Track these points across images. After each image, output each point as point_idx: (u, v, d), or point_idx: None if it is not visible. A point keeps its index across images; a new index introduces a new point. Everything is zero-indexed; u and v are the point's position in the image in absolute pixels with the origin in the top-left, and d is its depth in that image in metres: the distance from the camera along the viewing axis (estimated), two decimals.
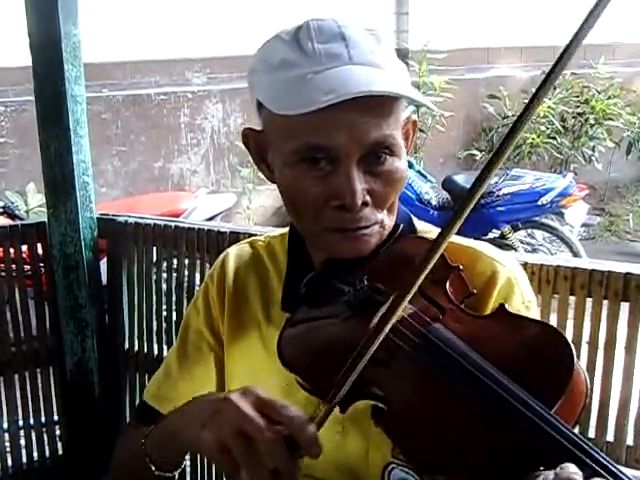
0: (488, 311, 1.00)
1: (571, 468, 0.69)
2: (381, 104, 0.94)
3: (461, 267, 0.97)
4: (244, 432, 0.81)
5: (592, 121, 6.99)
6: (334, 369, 0.85)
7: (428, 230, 1.14)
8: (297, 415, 0.81)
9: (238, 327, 1.17)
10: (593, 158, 7.02)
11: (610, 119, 6.96)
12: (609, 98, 6.98)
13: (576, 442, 0.72)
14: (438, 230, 1.08)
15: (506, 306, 0.91)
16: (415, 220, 1.15)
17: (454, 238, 1.07)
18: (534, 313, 1.06)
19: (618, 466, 0.70)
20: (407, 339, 0.87)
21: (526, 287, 1.07)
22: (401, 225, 1.08)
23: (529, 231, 5.31)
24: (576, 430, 0.77)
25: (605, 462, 0.70)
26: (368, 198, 0.98)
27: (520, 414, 0.74)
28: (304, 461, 1.02)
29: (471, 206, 0.81)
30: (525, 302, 1.04)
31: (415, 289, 0.81)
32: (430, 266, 0.80)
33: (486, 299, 1.01)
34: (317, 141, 0.94)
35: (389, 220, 1.03)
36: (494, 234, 5.15)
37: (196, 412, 0.90)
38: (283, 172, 1.00)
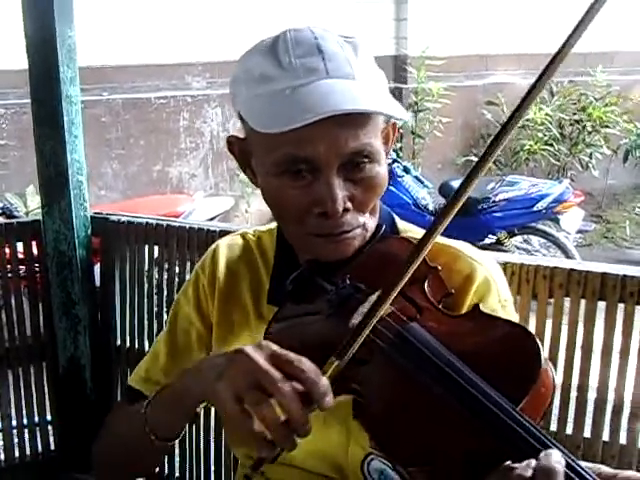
0: (465, 308, 1.04)
1: (554, 456, 0.73)
2: (358, 117, 0.97)
3: (439, 268, 1.01)
4: (259, 383, 0.83)
5: (589, 128, 7.04)
6: (316, 364, 0.89)
7: (409, 230, 1.18)
8: (310, 368, 0.84)
9: (228, 316, 1.21)
10: (590, 165, 7.05)
11: (607, 126, 7.00)
12: (606, 105, 7.02)
13: (538, 436, 0.76)
14: (420, 230, 1.12)
15: (480, 306, 0.95)
16: (398, 220, 1.19)
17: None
18: (510, 311, 1.10)
19: (577, 460, 0.74)
20: (385, 337, 0.90)
21: (503, 286, 1.11)
22: (383, 226, 1.11)
23: (525, 237, 5.35)
24: (542, 422, 0.82)
25: (567, 457, 0.74)
26: (349, 204, 1.01)
27: (486, 409, 0.78)
28: (292, 453, 1.07)
29: (453, 212, 0.84)
30: (501, 301, 1.08)
31: (396, 292, 0.84)
32: (412, 270, 0.84)
33: (464, 297, 1.05)
34: (297, 153, 0.97)
35: (371, 222, 1.07)
36: (490, 239, 5.19)
37: (210, 367, 0.93)
38: (266, 181, 1.03)
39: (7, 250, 2.15)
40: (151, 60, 6.13)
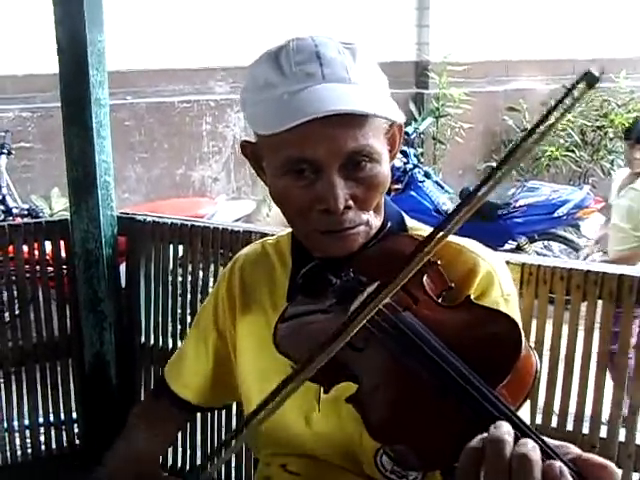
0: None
1: (504, 427, 0.76)
2: (354, 118, 1.00)
3: (439, 262, 1.03)
4: None
5: (611, 135, 7.00)
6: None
7: (418, 228, 1.22)
8: None
9: (248, 316, 1.27)
10: (612, 172, 7.02)
11: None
12: (629, 112, 6.99)
13: (511, 417, 0.79)
14: (428, 228, 1.16)
15: (471, 297, 0.99)
16: (407, 219, 1.22)
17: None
18: (513, 305, 1.12)
19: (544, 437, 0.77)
20: (379, 326, 0.94)
21: (506, 281, 1.13)
22: (389, 223, 1.15)
23: (545, 243, 5.34)
24: (527, 404, 0.86)
25: (534, 435, 0.77)
26: (351, 202, 1.06)
27: (467, 393, 0.82)
28: (312, 443, 1.11)
29: (461, 219, 0.88)
30: (504, 295, 1.11)
31: (394, 286, 0.87)
32: (412, 266, 0.86)
33: (466, 290, 1.08)
34: (299, 154, 1.02)
35: (375, 220, 1.11)
36: (511, 245, 5.19)
37: None
38: (273, 181, 1.09)
39: (36, 248, 2.21)
40: (175, 65, 6.20)
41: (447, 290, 1.04)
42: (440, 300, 1.01)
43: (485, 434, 0.77)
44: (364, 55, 1.07)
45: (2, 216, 4.30)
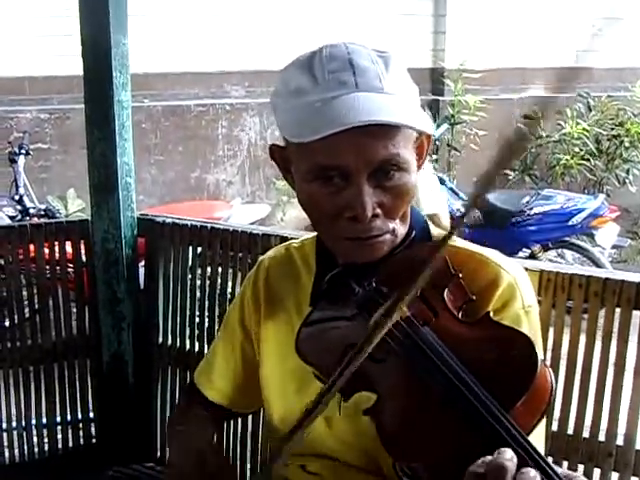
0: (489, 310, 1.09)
1: (507, 454, 0.78)
2: (386, 128, 1.02)
3: (461, 275, 1.05)
4: None
5: (627, 144, 6.97)
6: (339, 364, 0.95)
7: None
8: None
9: (272, 320, 1.28)
10: (627, 181, 6.99)
11: None
12: None
13: (521, 442, 0.81)
14: (454, 237, 1.17)
15: (490, 314, 1.00)
16: (432, 227, 1.23)
17: (463, 244, 1.16)
18: (534, 317, 1.13)
19: (553, 465, 0.79)
20: (398, 341, 0.96)
21: (528, 292, 1.14)
22: (414, 232, 1.16)
23: (559, 251, 5.32)
24: (543, 422, 0.88)
25: (541, 461, 0.79)
26: (379, 210, 1.07)
27: (479, 413, 0.84)
28: (332, 446, 1.13)
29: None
30: (525, 307, 1.12)
31: (411, 294, 0.88)
32: (425, 274, 0.86)
33: (487, 302, 1.09)
34: (328, 162, 1.04)
35: (401, 228, 1.12)
36: (524, 253, 5.18)
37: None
38: (301, 187, 1.10)
39: (56, 248, 2.23)
40: (191, 68, 6.24)
41: (468, 302, 1.05)
42: (460, 314, 1.02)
43: (489, 457, 0.78)
44: (397, 64, 1.08)
45: (19, 216, 4.34)
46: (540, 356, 0.90)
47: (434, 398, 0.89)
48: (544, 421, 0.94)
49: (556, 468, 0.79)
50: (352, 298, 1.08)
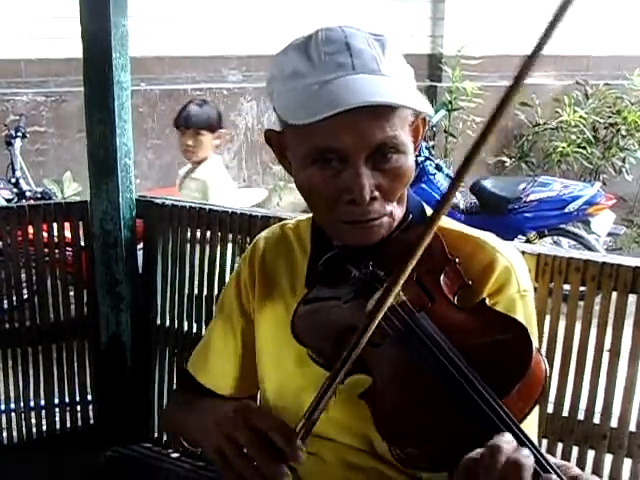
0: (485, 296, 1.10)
1: (506, 436, 0.80)
2: (383, 110, 1.02)
3: (457, 260, 1.06)
4: (237, 442, 0.96)
5: (624, 132, 6.98)
6: (334, 346, 0.96)
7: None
8: (285, 431, 0.94)
9: (267, 299, 1.28)
10: (623, 169, 7.01)
11: None
12: None
13: (514, 430, 0.82)
14: (449, 220, 1.18)
15: (486, 301, 1.01)
16: (428, 210, 1.24)
17: (460, 227, 1.17)
18: (529, 302, 1.14)
19: (546, 455, 0.80)
20: (394, 326, 0.97)
21: (523, 277, 1.15)
22: (411, 215, 1.16)
23: (555, 238, 5.34)
24: (536, 410, 0.90)
25: (534, 449, 0.80)
26: (377, 193, 1.07)
27: (473, 401, 0.85)
28: (328, 427, 1.14)
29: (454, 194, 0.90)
30: (521, 291, 1.13)
31: (404, 277, 0.89)
32: (419, 253, 0.88)
33: (483, 286, 1.10)
34: (327, 144, 1.04)
35: (399, 211, 1.12)
36: (520, 240, 5.19)
37: (207, 421, 1.08)
38: (299, 171, 1.10)
39: (55, 229, 2.23)
40: (188, 52, 6.22)
41: (464, 288, 1.06)
42: (456, 299, 1.03)
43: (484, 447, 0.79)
44: (392, 47, 1.08)
45: (16, 199, 4.33)
46: (535, 344, 0.90)
47: (429, 384, 0.89)
48: (537, 409, 0.95)
49: (549, 457, 0.80)
50: (349, 281, 1.08)
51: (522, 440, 0.80)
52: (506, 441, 0.79)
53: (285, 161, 1.16)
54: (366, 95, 1.00)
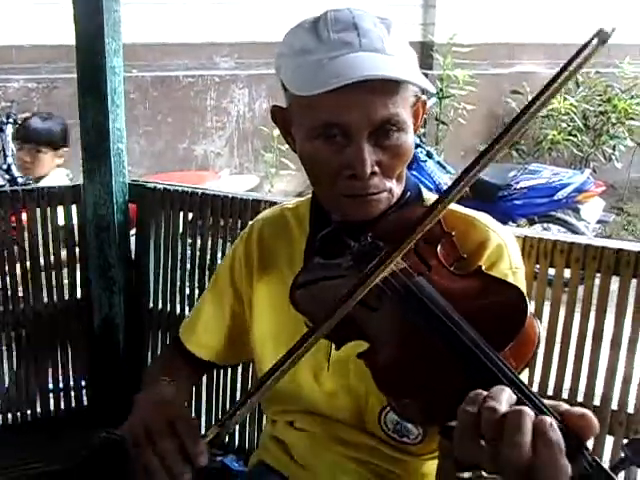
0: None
1: (506, 389, 0.81)
2: (387, 86, 1.07)
3: (453, 234, 1.10)
4: (152, 434, 1.01)
5: (614, 120, 7.03)
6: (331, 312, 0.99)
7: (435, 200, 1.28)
8: (192, 434, 0.98)
9: (265, 277, 1.32)
10: (613, 157, 7.06)
11: (632, 119, 6.99)
12: (632, 98, 7.02)
13: (512, 379, 0.84)
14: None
15: (482, 267, 1.05)
16: (424, 191, 1.28)
17: (455, 207, 1.21)
18: (520, 278, 1.19)
19: (542, 399, 0.82)
20: (394, 288, 1.01)
21: (515, 254, 1.20)
22: (409, 193, 1.21)
23: (545, 225, 5.39)
24: (526, 372, 0.94)
25: (533, 396, 0.82)
26: (377, 168, 1.11)
27: (471, 352, 0.88)
28: (320, 401, 1.17)
29: (469, 182, 0.92)
30: (512, 268, 1.18)
31: (406, 248, 0.93)
32: (423, 230, 0.92)
33: (477, 262, 1.14)
34: (332, 119, 1.08)
35: (397, 188, 1.17)
36: (510, 227, 5.23)
37: (147, 400, 1.14)
38: (304, 145, 1.14)
39: (48, 213, 2.25)
40: (180, 39, 6.22)
41: (459, 260, 1.10)
42: (452, 269, 1.07)
43: (480, 390, 0.81)
44: (397, 29, 1.13)
45: (7, 185, 4.33)
46: (530, 306, 0.94)
47: (427, 340, 0.92)
48: (527, 371, 0.99)
49: (543, 400, 0.83)
50: (347, 252, 1.12)
51: (521, 389, 0.82)
52: (505, 390, 0.80)
53: (289, 137, 1.21)
54: (372, 69, 1.04)
